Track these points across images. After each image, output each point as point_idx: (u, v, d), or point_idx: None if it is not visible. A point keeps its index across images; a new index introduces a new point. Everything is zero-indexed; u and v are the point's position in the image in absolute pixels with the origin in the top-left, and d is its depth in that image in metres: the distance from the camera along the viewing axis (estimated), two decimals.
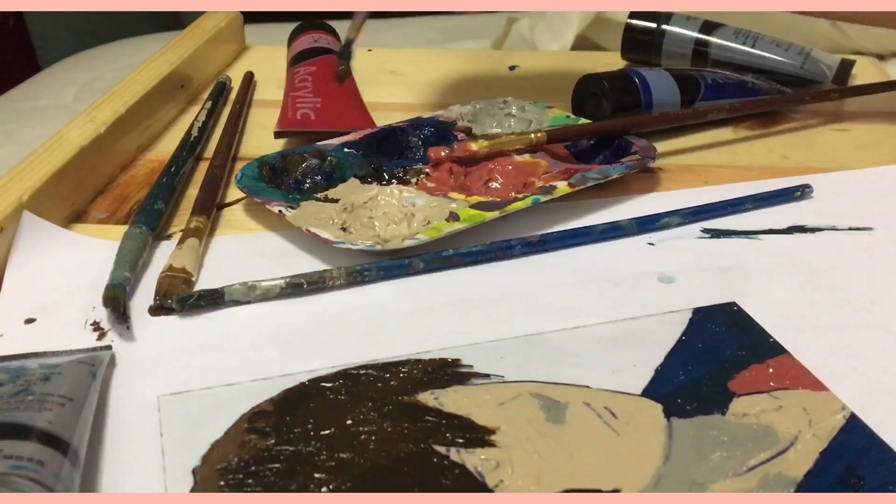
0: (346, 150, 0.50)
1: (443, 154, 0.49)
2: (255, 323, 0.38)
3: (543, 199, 0.45)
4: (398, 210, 0.45)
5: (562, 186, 0.46)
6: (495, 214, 0.43)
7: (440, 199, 0.46)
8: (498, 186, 0.49)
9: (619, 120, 0.54)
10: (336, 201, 0.46)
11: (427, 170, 0.50)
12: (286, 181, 0.49)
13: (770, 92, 0.61)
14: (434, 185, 0.48)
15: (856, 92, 0.61)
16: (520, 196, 0.45)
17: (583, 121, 0.54)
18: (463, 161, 0.49)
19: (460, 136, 0.54)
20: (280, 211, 0.44)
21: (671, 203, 0.48)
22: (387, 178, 0.50)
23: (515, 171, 0.49)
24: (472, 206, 0.44)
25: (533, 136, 0.50)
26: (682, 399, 0.33)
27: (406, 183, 0.49)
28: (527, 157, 0.50)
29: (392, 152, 0.53)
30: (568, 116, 0.55)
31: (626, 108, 0.56)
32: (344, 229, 0.44)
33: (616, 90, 0.56)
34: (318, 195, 0.47)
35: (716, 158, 0.54)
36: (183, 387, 0.34)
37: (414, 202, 0.46)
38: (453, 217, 0.43)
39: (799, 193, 0.49)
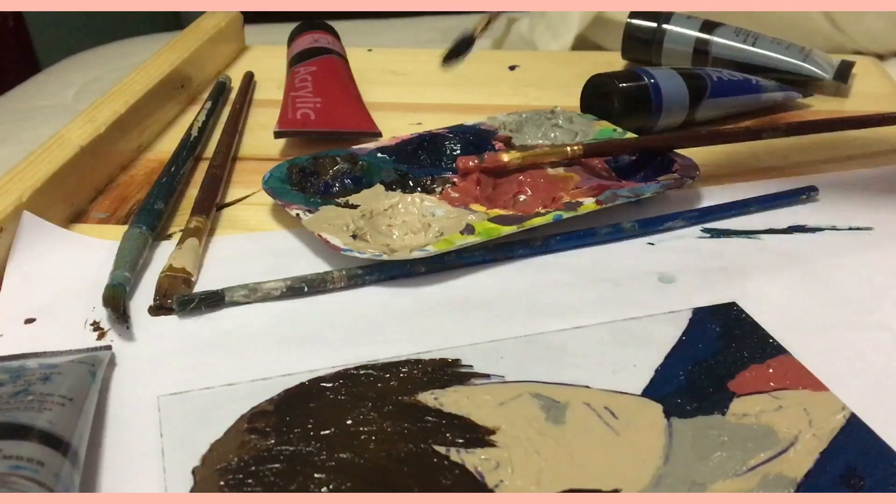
0: (379, 154, 0.50)
1: (471, 164, 0.47)
2: (255, 323, 0.38)
3: (566, 215, 0.44)
4: (417, 219, 0.44)
5: (588, 203, 0.44)
6: (512, 229, 0.42)
7: (459, 211, 0.45)
8: (526, 199, 0.47)
9: (661, 136, 0.52)
10: (356, 207, 0.46)
11: (454, 179, 0.48)
12: (316, 184, 0.48)
13: (774, 90, 0.61)
14: (458, 196, 0.46)
15: None
16: (542, 211, 0.44)
17: (629, 135, 0.52)
18: (492, 172, 0.48)
19: (498, 146, 0.52)
20: (298, 214, 0.44)
21: (671, 203, 0.48)
22: (412, 185, 0.48)
23: (546, 184, 0.48)
24: (491, 220, 0.43)
25: (569, 148, 0.49)
26: (682, 399, 0.33)
27: (431, 192, 0.48)
28: (561, 170, 0.48)
29: (428, 159, 0.51)
30: (615, 130, 0.53)
31: (637, 107, 0.56)
32: (355, 236, 0.43)
33: (626, 90, 0.56)
34: (340, 200, 0.46)
35: (716, 158, 0.54)
36: (183, 387, 0.34)
37: (434, 212, 0.45)
38: (468, 230, 0.42)
39: (805, 197, 0.48)
